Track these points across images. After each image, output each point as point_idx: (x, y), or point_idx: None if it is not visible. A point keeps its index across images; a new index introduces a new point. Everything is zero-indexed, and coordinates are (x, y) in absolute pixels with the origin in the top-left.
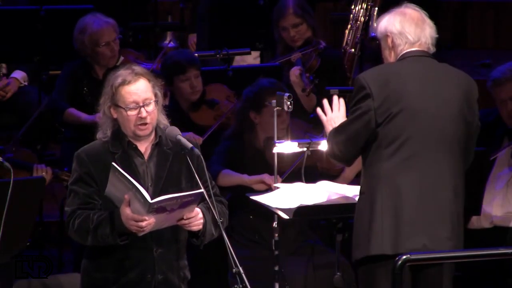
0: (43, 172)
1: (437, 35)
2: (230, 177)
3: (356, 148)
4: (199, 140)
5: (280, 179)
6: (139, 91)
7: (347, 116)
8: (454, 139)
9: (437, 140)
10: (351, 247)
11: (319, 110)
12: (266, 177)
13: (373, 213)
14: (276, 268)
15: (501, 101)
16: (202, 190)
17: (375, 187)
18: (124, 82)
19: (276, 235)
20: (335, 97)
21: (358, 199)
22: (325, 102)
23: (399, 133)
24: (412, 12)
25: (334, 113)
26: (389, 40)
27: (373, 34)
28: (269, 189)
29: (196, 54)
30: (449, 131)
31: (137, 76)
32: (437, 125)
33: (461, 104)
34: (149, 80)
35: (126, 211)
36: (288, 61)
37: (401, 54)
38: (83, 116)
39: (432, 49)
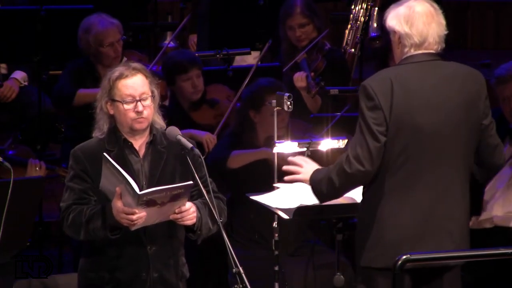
0: (37, 167)
1: (446, 32)
2: (243, 155)
3: (376, 162)
4: (214, 139)
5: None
6: (135, 85)
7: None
8: (460, 149)
9: (442, 154)
10: (354, 249)
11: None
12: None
13: (375, 226)
14: (276, 268)
15: (504, 99)
16: (191, 182)
17: (379, 201)
18: (121, 76)
19: (276, 235)
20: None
21: (361, 208)
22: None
23: (403, 149)
24: (420, 8)
25: (306, 167)
26: (396, 36)
27: (373, 34)
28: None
29: (196, 54)
30: (453, 143)
31: (135, 71)
32: (440, 139)
33: (466, 110)
34: (146, 76)
35: (117, 204)
36: (293, 62)
37: (406, 56)
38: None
39: (441, 47)
